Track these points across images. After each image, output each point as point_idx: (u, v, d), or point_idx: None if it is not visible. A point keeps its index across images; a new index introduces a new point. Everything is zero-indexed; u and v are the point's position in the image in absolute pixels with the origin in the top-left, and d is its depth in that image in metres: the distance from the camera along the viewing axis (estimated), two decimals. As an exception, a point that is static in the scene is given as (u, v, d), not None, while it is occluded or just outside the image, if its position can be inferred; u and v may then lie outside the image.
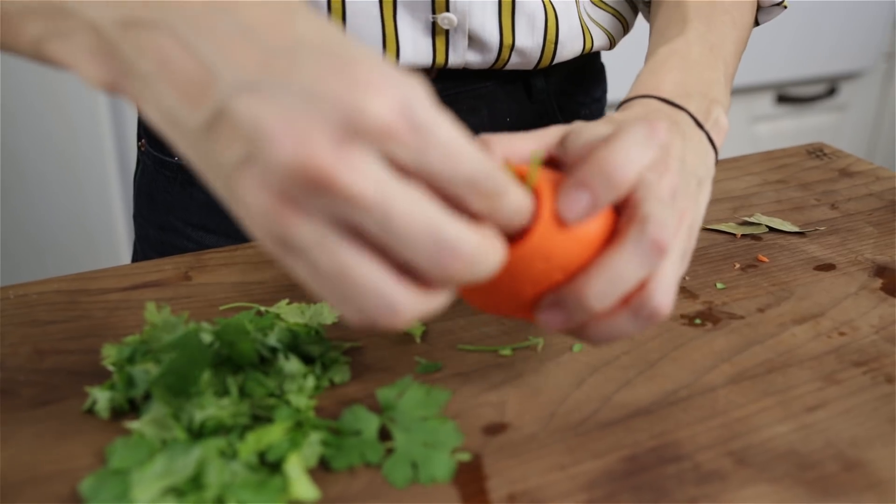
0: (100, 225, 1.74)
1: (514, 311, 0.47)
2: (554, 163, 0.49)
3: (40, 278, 0.64)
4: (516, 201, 0.39)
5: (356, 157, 0.33)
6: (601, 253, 0.44)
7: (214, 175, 0.36)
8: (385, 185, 0.33)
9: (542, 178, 0.44)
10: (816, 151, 0.93)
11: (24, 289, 0.62)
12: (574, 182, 0.42)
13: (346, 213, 0.34)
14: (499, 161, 0.47)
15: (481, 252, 0.36)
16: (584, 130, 0.47)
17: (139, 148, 0.86)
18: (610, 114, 0.56)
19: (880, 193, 0.83)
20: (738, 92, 2.09)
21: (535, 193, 0.43)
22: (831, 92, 2.33)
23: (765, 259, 0.70)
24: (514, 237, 0.42)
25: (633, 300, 0.44)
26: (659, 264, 0.44)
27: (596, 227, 0.44)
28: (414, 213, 0.34)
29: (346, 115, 0.33)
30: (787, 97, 2.28)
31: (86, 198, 1.71)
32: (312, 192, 0.33)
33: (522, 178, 0.44)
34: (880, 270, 0.68)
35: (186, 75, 0.35)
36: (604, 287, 0.43)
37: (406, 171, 0.35)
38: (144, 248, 0.87)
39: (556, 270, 0.43)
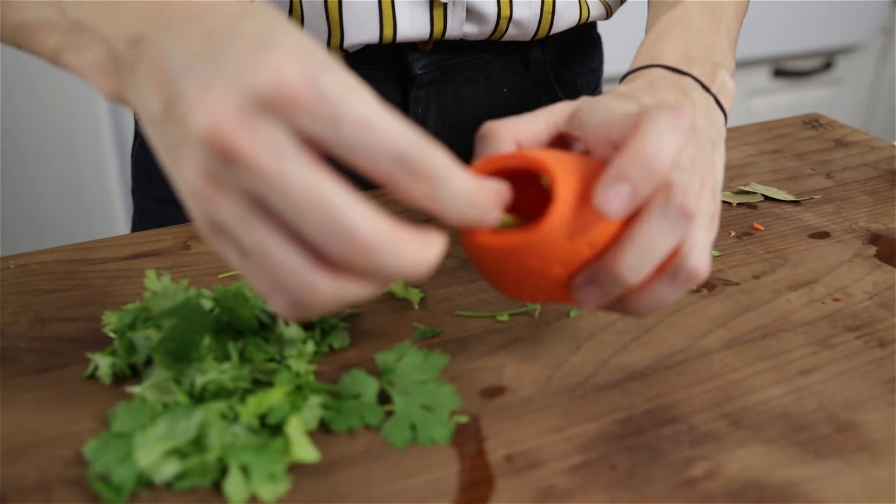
0: (96, 200, 1.75)
1: (550, 295, 0.47)
2: (562, 141, 0.49)
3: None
4: (462, 188, 0.37)
5: (261, 128, 0.33)
6: (626, 224, 0.44)
7: (170, 166, 0.38)
8: (286, 157, 0.33)
9: (551, 156, 0.44)
10: (812, 122, 0.93)
11: (25, 259, 0.63)
12: (613, 175, 0.41)
13: (255, 188, 0.34)
14: (511, 147, 0.47)
15: (384, 242, 0.34)
16: (595, 107, 0.47)
17: (136, 120, 0.86)
18: (614, 87, 0.56)
19: (875, 163, 0.83)
20: (736, 66, 2.09)
21: (549, 173, 0.43)
22: (827, 66, 2.33)
23: (760, 227, 0.70)
24: (537, 220, 0.43)
25: (669, 267, 0.44)
26: (689, 229, 0.44)
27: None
28: (309, 188, 0.33)
29: (252, 86, 0.33)
30: (783, 71, 2.28)
31: (83, 173, 1.71)
32: (225, 165, 0.33)
33: (537, 162, 0.44)
34: (874, 238, 0.69)
35: (159, 77, 0.37)
36: (636, 259, 0.43)
37: (321, 149, 0.34)
38: (143, 222, 0.87)
39: (583, 247, 0.43)
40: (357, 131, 0.34)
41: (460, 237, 0.46)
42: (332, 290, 0.36)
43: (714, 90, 0.55)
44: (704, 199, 0.47)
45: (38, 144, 1.68)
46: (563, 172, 0.43)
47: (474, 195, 0.38)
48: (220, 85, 0.33)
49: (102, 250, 0.64)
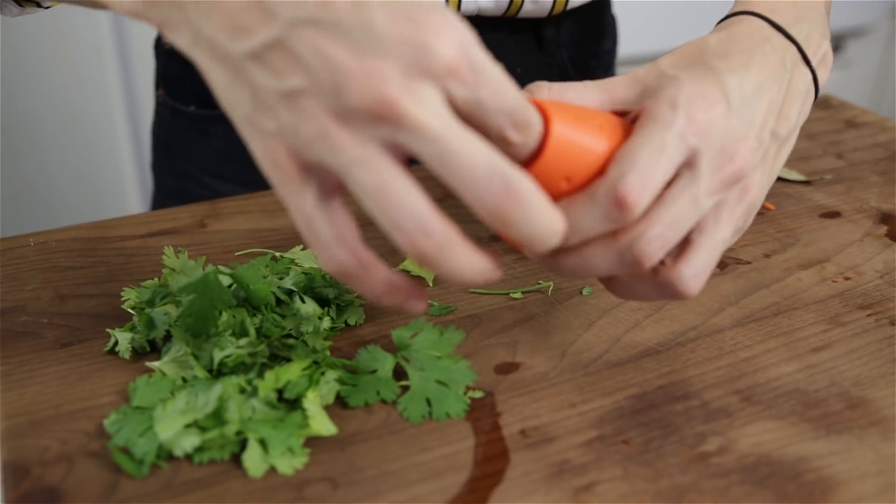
0: (109, 181, 1.75)
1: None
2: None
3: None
4: (540, 130, 0.40)
5: (424, 93, 0.35)
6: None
7: (246, 101, 0.38)
8: (448, 121, 0.36)
9: (553, 104, 0.43)
10: (823, 103, 0.93)
11: (44, 236, 0.63)
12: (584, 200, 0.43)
13: (404, 141, 0.36)
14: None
15: (534, 198, 0.37)
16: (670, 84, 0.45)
17: (157, 98, 0.87)
18: (626, 69, 0.52)
19: (885, 144, 0.83)
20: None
21: (545, 114, 0.42)
22: (835, 49, 2.32)
23: (771, 207, 0.70)
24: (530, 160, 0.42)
25: (660, 274, 0.45)
26: (695, 246, 0.44)
27: (605, 138, 0.43)
28: (474, 149, 0.36)
29: (416, 55, 0.35)
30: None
31: (95, 154, 1.72)
32: (376, 122, 0.35)
33: (538, 104, 0.43)
34: (885, 218, 0.69)
35: (236, 7, 0.37)
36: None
37: (458, 110, 0.37)
38: (163, 197, 0.88)
39: (562, 182, 0.43)
40: (492, 95, 0.37)
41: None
42: (443, 235, 0.37)
43: (815, 63, 0.51)
44: (735, 214, 0.45)
45: (50, 126, 1.68)
46: (555, 111, 0.42)
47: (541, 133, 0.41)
48: (380, 52, 0.35)
49: (120, 228, 0.65)
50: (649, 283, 0.45)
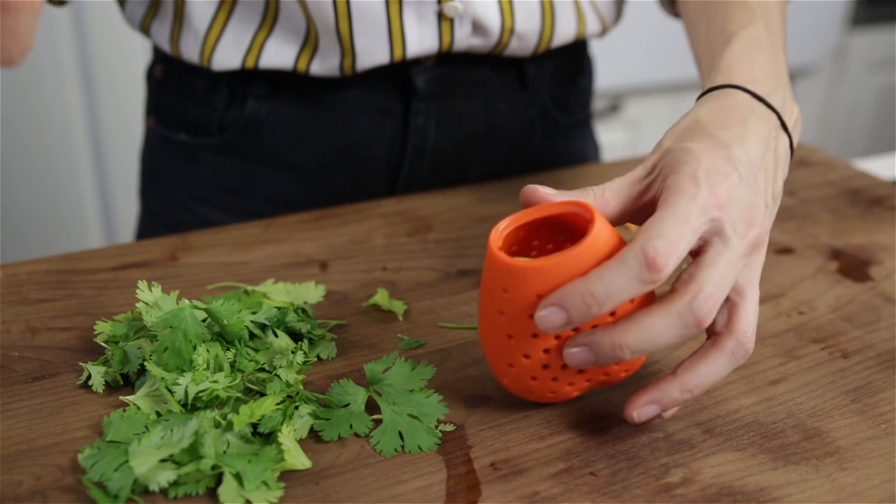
0: (70, 212, 1.74)
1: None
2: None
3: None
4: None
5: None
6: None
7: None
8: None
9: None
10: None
11: (14, 268, 0.63)
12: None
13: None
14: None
15: None
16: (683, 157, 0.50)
17: (147, 125, 0.88)
18: (700, 110, 0.54)
19: (835, 182, 0.87)
20: (689, 87, 2.14)
21: (589, 211, 0.46)
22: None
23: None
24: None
25: (722, 343, 0.48)
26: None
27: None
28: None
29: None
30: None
31: (56, 185, 1.71)
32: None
33: (581, 204, 0.47)
34: (836, 254, 0.72)
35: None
36: (638, 343, 0.46)
37: None
38: (150, 224, 0.89)
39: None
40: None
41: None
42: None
43: (790, 128, 0.56)
44: (757, 272, 0.50)
45: (12, 156, 1.67)
46: (601, 217, 0.46)
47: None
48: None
49: (91, 260, 0.65)
50: (718, 355, 0.48)
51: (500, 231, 0.48)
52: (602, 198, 0.50)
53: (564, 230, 0.50)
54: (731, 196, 0.48)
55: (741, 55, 0.57)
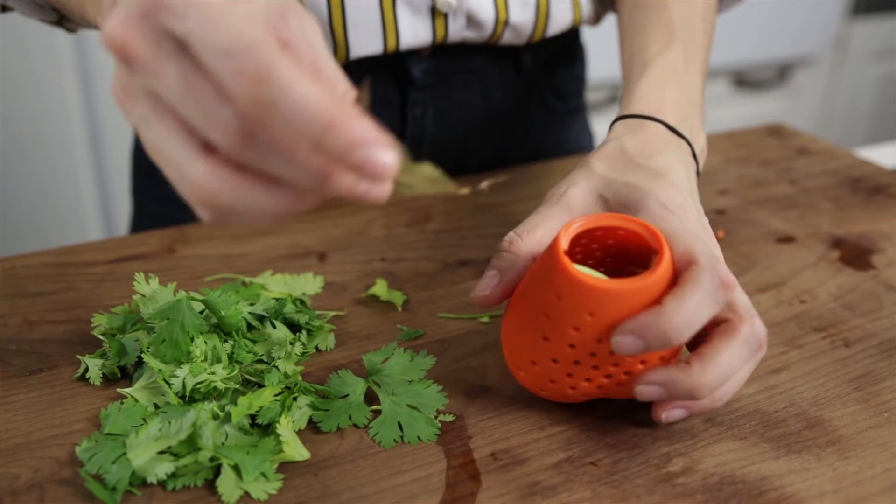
0: (69, 205, 1.74)
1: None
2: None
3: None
4: (302, 97, 0.33)
5: (144, 30, 0.35)
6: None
7: None
8: (168, 57, 0.35)
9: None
10: (775, 131, 0.96)
11: (11, 262, 0.63)
12: (633, 328, 0.44)
13: (151, 85, 0.36)
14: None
15: (260, 133, 0.35)
16: (624, 191, 0.52)
17: None
18: (623, 140, 0.56)
19: (836, 171, 0.86)
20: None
21: (659, 241, 0.46)
22: (783, 78, 2.38)
23: (722, 234, 0.72)
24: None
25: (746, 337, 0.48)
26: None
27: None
28: (188, 82, 0.35)
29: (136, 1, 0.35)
30: (743, 82, 2.33)
31: (55, 178, 1.70)
32: (127, 66, 0.36)
33: (650, 229, 0.47)
34: (837, 242, 0.72)
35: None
36: (714, 378, 0.46)
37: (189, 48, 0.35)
38: (143, 222, 0.88)
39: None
40: (202, 24, 0.34)
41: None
42: (204, 178, 0.36)
43: (698, 154, 0.59)
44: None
45: (10, 151, 1.66)
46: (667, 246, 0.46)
47: (328, 114, 0.34)
48: (120, 5, 0.36)
49: (88, 254, 0.65)
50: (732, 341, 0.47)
51: (571, 231, 0.47)
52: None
53: (619, 247, 0.50)
54: (691, 221, 0.50)
55: (654, 83, 0.60)
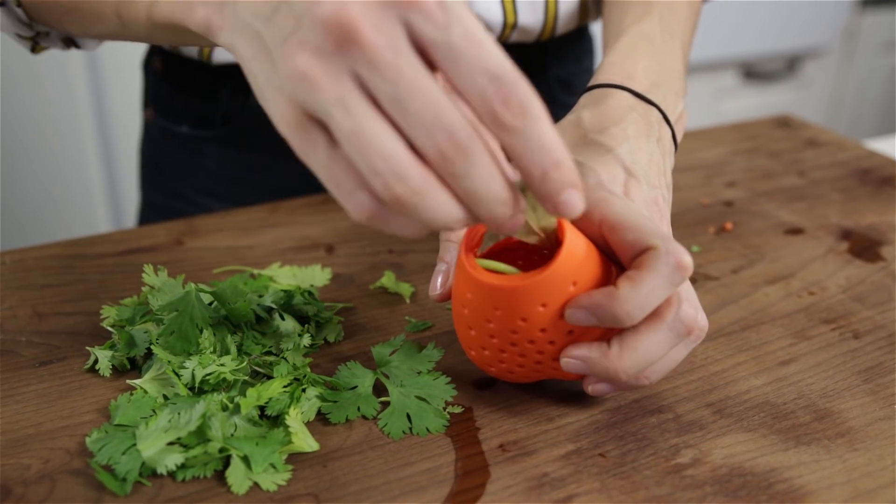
0: (77, 198, 1.74)
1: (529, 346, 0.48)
2: None
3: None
4: (549, 135, 0.37)
5: (385, 22, 0.35)
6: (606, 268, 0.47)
7: (264, 65, 0.39)
8: (402, 50, 0.35)
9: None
10: (784, 122, 0.96)
11: (21, 254, 0.63)
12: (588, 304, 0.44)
13: (366, 74, 0.36)
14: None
15: (482, 157, 0.36)
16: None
17: (145, 118, 0.87)
18: (582, 113, 0.56)
19: (845, 162, 0.86)
20: (694, 69, 2.13)
21: (561, 226, 0.45)
22: (792, 70, 2.37)
23: (730, 226, 0.72)
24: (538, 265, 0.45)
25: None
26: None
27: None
28: (419, 81, 0.35)
29: None
30: (752, 73, 2.32)
31: (63, 171, 1.71)
32: (341, 47, 0.35)
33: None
34: (846, 234, 0.71)
35: None
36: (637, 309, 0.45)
37: (429, 54, 0.36)
38: (151, 215, 0.88)
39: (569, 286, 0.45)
40: (466, 42, 0.36)
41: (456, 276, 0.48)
42: (420, 184, 0.36)
43: (673, 122, 0.57)
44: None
45: (17, 142, 1.67)
46: (571, 230, 0.45)
47: (560, 154, 0.38)
48: None
49: (97, 246, 0.65)
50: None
51: (477, 231, 0.48)
52: None
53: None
54: (636, 200, 0.50)
55: (625, 52, 0.59)
